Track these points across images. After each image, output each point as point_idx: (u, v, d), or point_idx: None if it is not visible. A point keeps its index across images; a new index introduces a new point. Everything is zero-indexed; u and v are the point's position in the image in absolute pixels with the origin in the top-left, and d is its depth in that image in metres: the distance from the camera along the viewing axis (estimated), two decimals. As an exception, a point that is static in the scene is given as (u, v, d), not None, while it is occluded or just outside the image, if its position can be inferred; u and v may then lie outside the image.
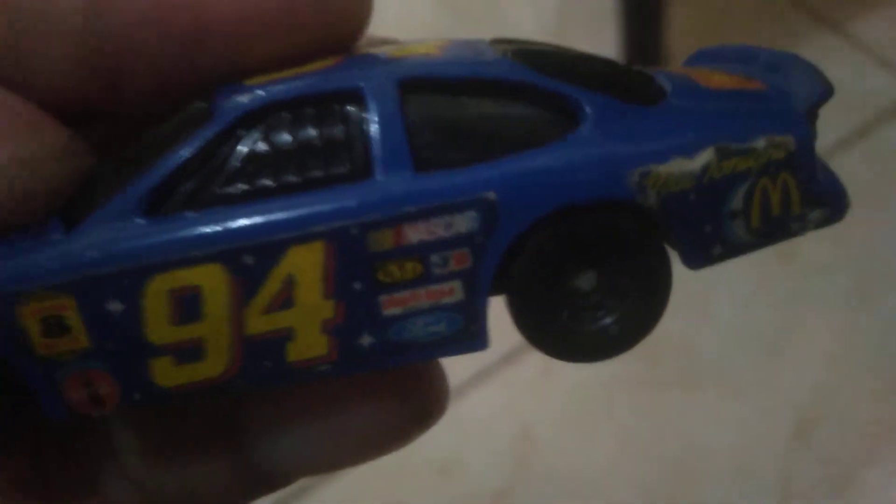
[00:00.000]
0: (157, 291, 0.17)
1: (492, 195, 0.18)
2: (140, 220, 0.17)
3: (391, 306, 0.18)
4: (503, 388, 0.84)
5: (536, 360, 0.86)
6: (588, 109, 0.19)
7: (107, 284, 0.17)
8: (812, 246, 0.88)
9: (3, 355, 0.17)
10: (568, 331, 0.19)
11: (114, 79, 0.18)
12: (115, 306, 0.17)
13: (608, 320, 0.19)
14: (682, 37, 1.02)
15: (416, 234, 0.18)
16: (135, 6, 0.17)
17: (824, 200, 0.20)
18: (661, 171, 0.18)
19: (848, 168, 0.90)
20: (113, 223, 0.17)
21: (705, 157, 0.19)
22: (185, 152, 0.18)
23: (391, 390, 0.21)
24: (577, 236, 0.19)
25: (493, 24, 1.08)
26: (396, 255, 0.18)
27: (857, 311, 0.85)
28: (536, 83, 0.19)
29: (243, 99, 0.18)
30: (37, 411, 0.18)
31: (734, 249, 0.20)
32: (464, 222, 0.18)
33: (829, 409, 0.80)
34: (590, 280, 0.19)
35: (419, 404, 0.21)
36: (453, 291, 0.18)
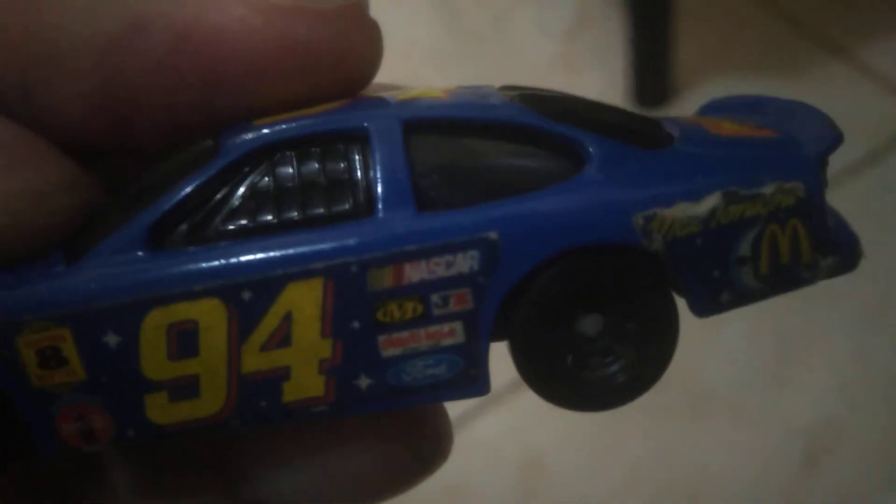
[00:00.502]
0: (155, 325, 0.17)
1: (494, 235, 0.18)
2: (141, 254, 0.18)
3: (390, 347, 0.18)
4: (511, 413, 0.84)
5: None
6: (593, 152, 0.19)
7: (105, 317, 0.17)
8: (821, 273, 0.88)
9: (0, 386, 0.17)
10: (572, 378, 0.19)
11: (126, 118, 0.18)
12: (113, 339, 0.17)
13: (614, 367, 0.19)
14: (690, 64, 1.03)
15: (416, 272, 0.18)
16: (151, 51, 0.18)
17: (836, 248, 0.20)
18: (666, 214, 0.18)
19: (857, 195, 0.90)
20: (114, 256, 0.17)
21: (712, 201, 0.18)
22: (189, 187, 0.18)
23: (390, 433, 0.20)
24: (581, 280, 0.18)
25: (500, 51, 1.09)
26: (396, 294, 0.18)
27: (867, 339, 0.84)
28: (542, 126, 0.19)
29: (249, 137, 0.18)
30: (29, 445, 0.18)
31: (743, 297, 0.19)
32: (465, 262, 0.18)
33: (838, 438, 0.79)
34: (595, 324, 0.19)
35: (420, 448, 0.21)
36: (454, 333, 0.18)
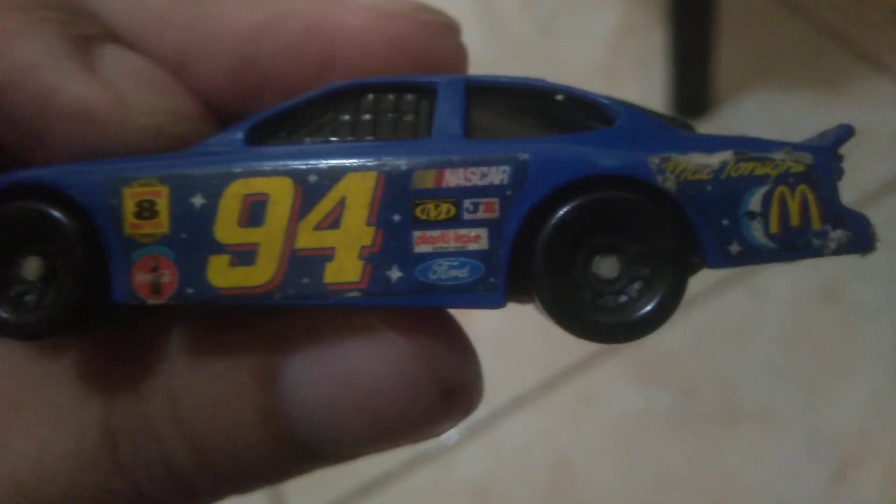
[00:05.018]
0: (234, 194, 0.21)
1: (524, 156, 0.21)
2: (239, 144, 0.22)
3: (422, 243, 0.21)
4: (540, 415, 0.85)
5: (574, 389, 0.86)
6: (622, 115, 0.22)
7: (197, 182, 0.21)
8: (858, 287, 0.88)
9: (99, 228, 0.21)
10: (585, 310, 0.21)
11: (256, 88, 0.24)
12: (199, 201, 0.21)
13: (624, 307, 0.21)
14: (730, 75, 1.03)
15: (454, 178, 0.21)
16: (284, 37, 0.23)
17: (846, 224, 0.21)
18: (679, 158, 0.21)
19: (896, 210, 0.89)
20: (218, 145, 0.22)
21: (723, 156, 0.21)
22: (287, 105, 0.23)
23: (415, 346, 0.21)
24: (600, 209, 0.21)
25: (543, 60, 1.10)
26: (435, 195, 0.21)
27: (901, 354, 0.84)
28: (578, 94, 0.23)
29: (340, 82, 0.23)
30: (106, 292, 0.21)
31: (753, 252, 0.21)
32: (497, 175, 0.21)
33: (870, 451, 0.79)
34: (612, 267, 0.21)
35: (445, 379, 0.21)
36: (479, 239, 0.21)
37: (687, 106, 1.01)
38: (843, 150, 0.22)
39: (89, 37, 0.22)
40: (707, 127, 1.01)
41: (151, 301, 0.21)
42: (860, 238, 0.21)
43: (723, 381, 0.85)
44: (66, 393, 0.22)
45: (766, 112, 0.99)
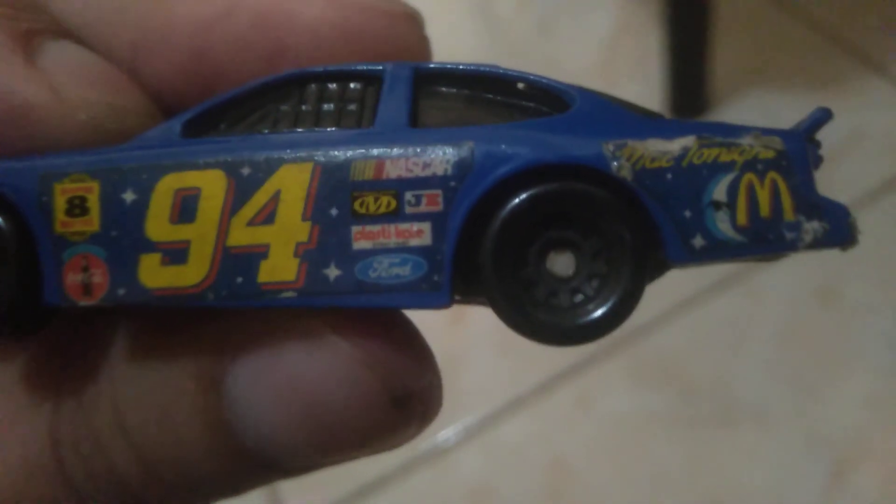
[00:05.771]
0: (166, 189, 0.20)
1: (469, 144, 0.19)
2: (175, 138, 0.21)
3: (362, 239, 0.19)
4: (537, 417, 0.84)
5: (571, 391, 0.86)
6: (578, 100, 0.21)
7: (129, 176, 0.20)
8: (854, 287, 0.88)
9: (31, 226, 0.20)
10: (539, 310, 0.20)
11: (208, 82, 0.23)
12: (130, 196, 0.20)
13: (580, 306, 0.20)
14: (727, 76, 1.03)
15: (395, 169, 0.19)
16: (235, 28, 0.22)
17: (823, 214, 0.20)
18: (636, 145, 0.19)
19: (894, 208, 0.89)
20: (154, 139, 0.21)
21: (685, 141, 0.19)
22: (227, 96, 0.22)
23: (363, 349, 0.20)
24: (550, 198, 0.19)
25: (541, 60, 1.10)
26: (374, 187, 0.19)
27: (899, 354, 0.84)
28: (532, 79, 0.21)
29: (282, 72, 0.22)
30: (38, 294, 0.20)
31: (720, 246, 0.19)
32: (440, 165, 0.19)
33: (867, 451, 0.79)
34: (567, 265, 0.20)
35: (394, 387, 0.20)
36: (422, 234, 0.19)
37: (684, 106, 1.01)
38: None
39: (33, 32, 0.21)
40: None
41: (83, 303, 0.20)
42: (839, 230, 0.20)
43: (720, 382, 0.84)
44: (13, 401, 0.21)
45: (763, 113, 0.99)
